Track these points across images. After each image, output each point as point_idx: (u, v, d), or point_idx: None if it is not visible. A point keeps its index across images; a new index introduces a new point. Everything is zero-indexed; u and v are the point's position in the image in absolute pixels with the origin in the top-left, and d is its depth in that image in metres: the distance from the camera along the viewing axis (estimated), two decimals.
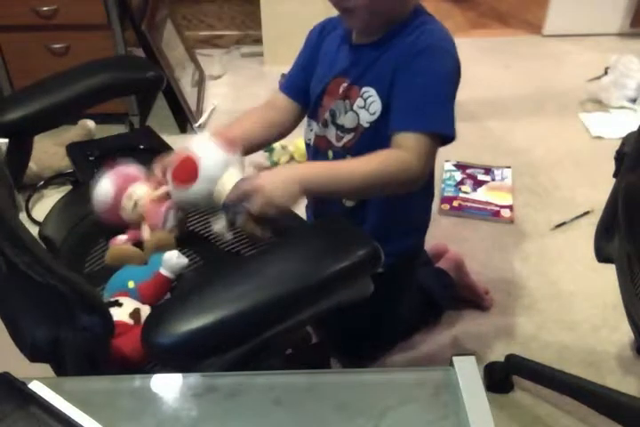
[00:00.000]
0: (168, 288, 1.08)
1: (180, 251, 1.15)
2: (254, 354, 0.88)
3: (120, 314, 1.00)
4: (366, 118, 1.18)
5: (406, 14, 1.15)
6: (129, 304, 1.03)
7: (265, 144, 1.34)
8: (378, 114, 1.16)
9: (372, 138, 1.16)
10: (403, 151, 1.07)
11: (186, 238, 1.19)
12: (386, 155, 1.08)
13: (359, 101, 1.18)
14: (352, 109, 1.19)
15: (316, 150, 1.31)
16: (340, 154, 1.24)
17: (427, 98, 1.10)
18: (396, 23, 1.15)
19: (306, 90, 1.30)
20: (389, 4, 1.12)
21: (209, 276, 1.08)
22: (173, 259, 1.06)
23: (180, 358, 0.82)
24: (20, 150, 1.30)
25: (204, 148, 1.10)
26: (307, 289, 0.88)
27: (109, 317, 0.88)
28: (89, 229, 1.27)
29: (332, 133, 1.25)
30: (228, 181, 1.06)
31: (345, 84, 1.20)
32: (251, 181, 1.03)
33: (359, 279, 0.94)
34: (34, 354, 0.87)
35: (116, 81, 1.37)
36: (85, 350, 0.87)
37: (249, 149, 1.26)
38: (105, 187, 1.16)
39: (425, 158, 1.08)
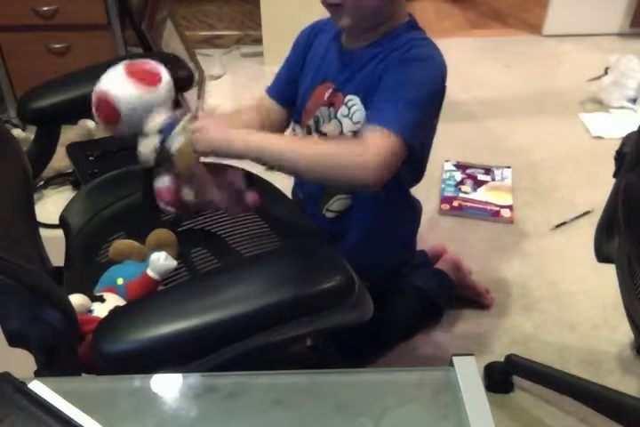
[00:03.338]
0: (153, 289, 1.05)
1: (182, 251, 1.14)
2: (226, 366, 0.87)
3: (101, 310, 0.99)
4: (349, 127, 1.16)
5: (397, 21, 1.14)
6: (112, 301, 1.02)
7: None
8: (362, 123, 1.14)
9: None
10: (366, 139, 1.02)
11: (189, 238, 1.19)
12: (344, 140, 1.09)
13: (343, 109, 1.17)
14: (336, 117, 1.18)
15: None
16: None
17: (395, 99, 1.05)
18: (388, 29, 1.14)
19: (290, 94, 1.28)
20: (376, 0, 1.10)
21: (174, 287, 1.09)
22: (160, 260, 1.03)
23: (117, 368, 0.82)
24: (47, 139, 1.32)
25: (118, 84, 1.09)
26: (257, 313, 0.86)
27: (71, 312, 0.88)
28: (110, 218, 1.27)
29: None
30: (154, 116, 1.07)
31: (330, 90, 1.19)
32: (203, 120, 1.05)
33: (330, 308, 0.90)
34: (9, 339, 0.87)
35: None
36: (47, 343, 0.87)
37: None
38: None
39: (384, 155, 1.00)
